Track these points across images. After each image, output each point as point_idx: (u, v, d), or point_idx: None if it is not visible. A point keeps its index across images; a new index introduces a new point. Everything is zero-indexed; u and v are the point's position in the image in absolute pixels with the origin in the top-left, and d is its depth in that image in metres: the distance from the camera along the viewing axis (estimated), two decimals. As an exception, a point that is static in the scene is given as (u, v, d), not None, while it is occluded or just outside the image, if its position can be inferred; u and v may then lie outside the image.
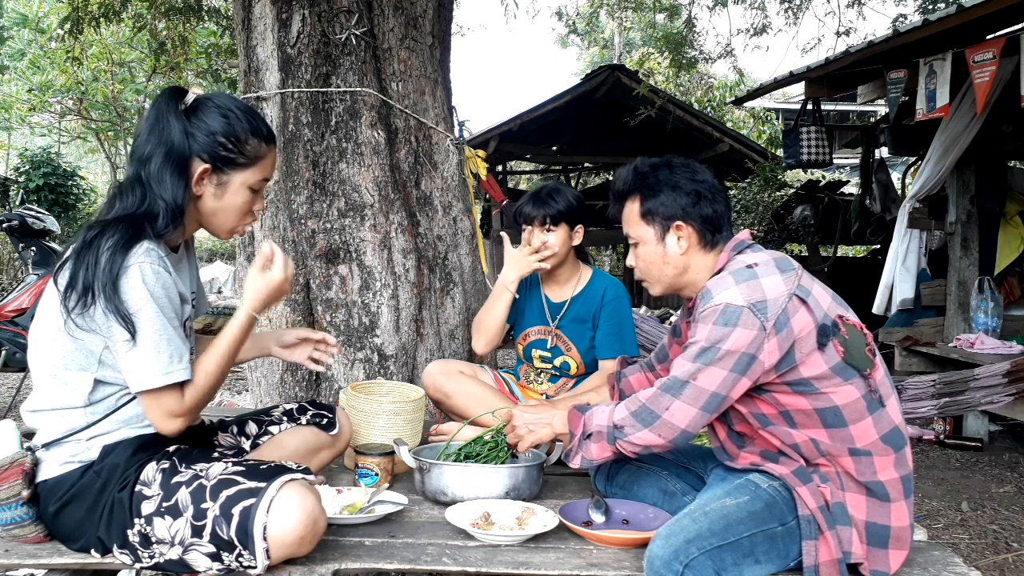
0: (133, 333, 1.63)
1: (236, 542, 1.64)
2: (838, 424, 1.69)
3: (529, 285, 2.93)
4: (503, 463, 2.23)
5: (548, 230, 2.73)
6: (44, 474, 1.75)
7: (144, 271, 1.64)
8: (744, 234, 1.88)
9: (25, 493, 1.72)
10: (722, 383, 1.67)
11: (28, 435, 1.81)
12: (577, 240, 2.78)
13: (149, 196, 1.72)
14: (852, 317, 1.76)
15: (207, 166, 1.75)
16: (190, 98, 1.78)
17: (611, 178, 12.90)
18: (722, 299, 1.68)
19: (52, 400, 1.75)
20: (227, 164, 1.77)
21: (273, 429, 2.13)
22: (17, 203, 10.97)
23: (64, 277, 1.67)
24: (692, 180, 1.86)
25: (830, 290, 1.78)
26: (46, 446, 1.76)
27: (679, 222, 1.85)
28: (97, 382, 1.73)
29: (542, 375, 2.95)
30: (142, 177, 1.73)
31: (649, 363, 2.22)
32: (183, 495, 1.68)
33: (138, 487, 1.71)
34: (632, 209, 1.91)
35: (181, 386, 1.71)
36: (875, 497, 1.70)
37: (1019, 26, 4.43)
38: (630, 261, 1.96)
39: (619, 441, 1.77)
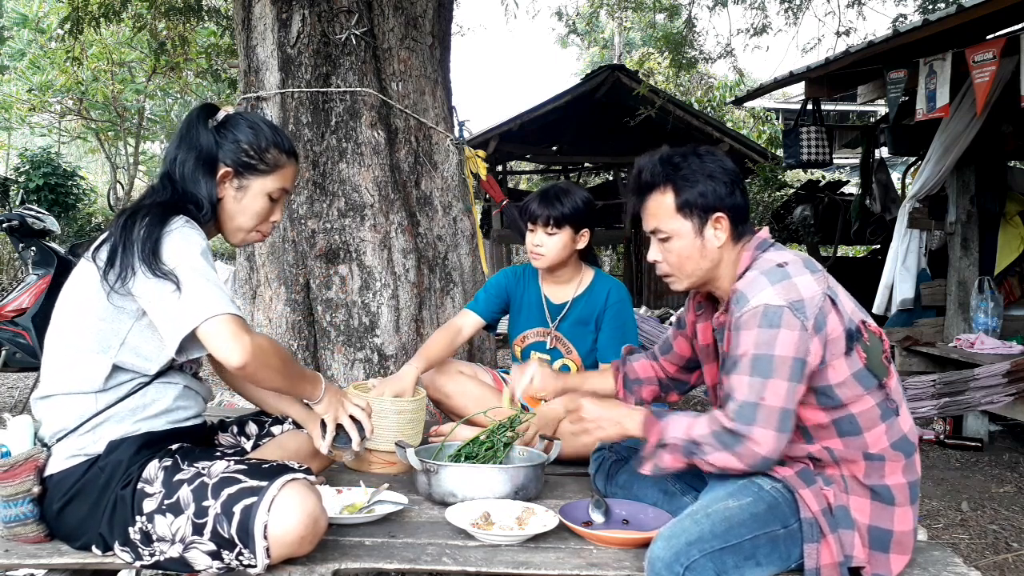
0: (178, 282, 1.67)
1: (237, 540, 1.64)
2: (853, 432, 1.68)
3: (528, 285, 2.90)
4: (500, 462, 2.23)
5: (550, 232, 2.69)
6: (51, 468, 1.77)
7: (185, 232, 1.73)
8: (765, 232, 1.83)
9: (36, 489, 1.74)
10: (787, 396, 1.61)
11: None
12: (581, 244, 2.74)
13: (182, 191, 1.84)
14: (871, 322, 1.73)
15: (229, 169, 1.88)
16: (222, 114, 1.93)
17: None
18: (759, 300, 1.63)
19: (66, 384, 1.78)
20: (248, 169, 1.90)
21: (275, 430, 2.14)
22: (17, 203, 10.97)
23: (103, 256, 1.75)
24: (723, 169, 1.78)
25: (849, 294, 1.75)
26: (58, 440, 1.78)
27: (719, 213, 1.76)
28: (115, 367, 1.76)
29: None
30: (174, 176, 1.86)
31: (653, 353, 2.18)
32: (185, 493, 1.69)
33: (140, 484, 1.72)
34: (663, 202, 1.79)
35: (243, 321, 1.70)
36: (880, 500, 1.69)
37: (1019, 26, 4.43)
38: (654, 256, 1.85)
39: (696, 457, 1.69)
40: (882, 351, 1.70)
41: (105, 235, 1.80)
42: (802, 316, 1.60)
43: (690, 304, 2.03)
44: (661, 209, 1.80)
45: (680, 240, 1.79)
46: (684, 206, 1.77)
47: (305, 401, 2.08)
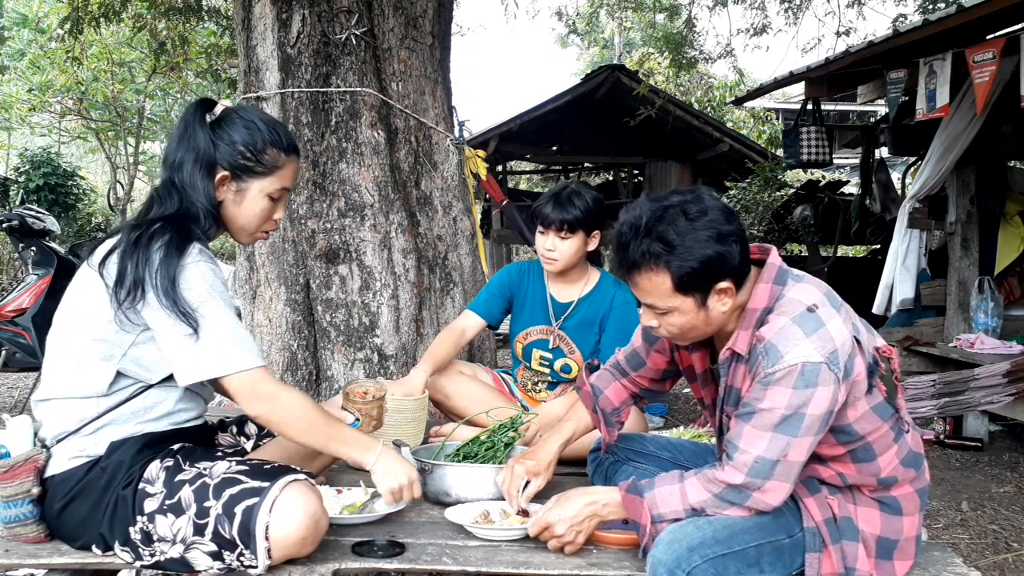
0: (196, 326, 1.67)
1: (238, 541, 1.64)
2: (867, 459, 1.65)
3: (533, 281, 2.89)
4: (500, 463, 2.23)
5: (564, 237, 2.66)
6: (52, 469, 1.77)
7: (203, 270, 1.72)
8: (775, 255, 1.66)
9: (35, 491, 1.74)
10: (808, 448, 1.57)
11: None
12: (592, 246, 2.72)
13: (185, 199, 1.82)
14: (880, 342, 1.67)
15: (226, 173, 1.85)
16: (219, 109, 1.88)
17: (611, 177, 12.91)
18: (797, 357, 1.51)
19: (68, 388, 1.78)
20: (245, 172, 1.86)
21: (274, 430, 2.14)
22: (17, 203, 10.96)
23: (111, 270, 1.73)
24: (718, 228, 1.56)
25: (859, 317, 1.68)
26: (57, 441, 1.77)
27: (722, 283, 1.59)
28: (118, 374, 1.76)
29: (540, 383, 2.92)
30: (176, 182, 1.83)
31: (620, 369, 2.07)
32: (186, 493, 1.69)
33: (141, 485, 1.72)
34: (657, 282, 1.59)
35: (268, 372, 1.75)
36: (889, 511, 1.68)
37: (1019, 26, 4.43)
38: (650, 321, 1.68)
39: (702, 516, 1.64)
40: (892, 372, 1.66)
41: (111, 244, 1.77)
42: (836, 368, 1.52)
43: None
44: (656, 289, 1.61)
45: (682, 316, 1.63)
46: (683, 286, 1.58)
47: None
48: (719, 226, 1.57)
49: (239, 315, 3.69)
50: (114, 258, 1.74)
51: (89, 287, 1.77)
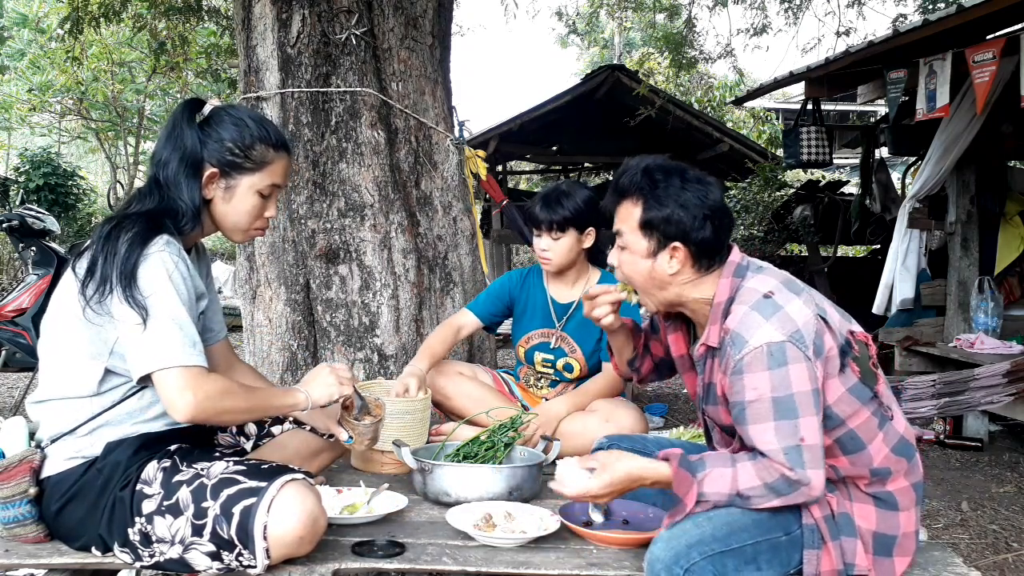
0: (145, 316, 1.64)
1: (236, 541, 1.64)
2: (857, 448, 1.67)
3: (533, 286, 2.91)
4: (500, 463, 2.23)
5: (555, 237, 2.69)
6: (48, 470, 1.77)
7: (164, 259, 1.69)
8: (737, 253, 1.77)
9: (32, 491, 1.74)
10: (815, 429, 1.58)
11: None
12: (588, 243, 2.74)
13: (167, 197, 1.80)
14: (856, 328, 1.71)
15: (215, 170, 1.83)
16: (207, 108, 1.86)
17: (612, 176, 12.91)
18: (760, 340, 1.58)
19: (61, 389, 1.77)
20: (234, 168, 1.85)
21: (274, 430, 2.14)
22: (17, 203, 10.95)
23: (83, 266, 1.72)
24: (702, 201, 1.70)
25: (830, 301, 1.72)
26: (52, 441, 1.77)
27: (677, 243, 1.71)
28: (107, 371, 1.75)
29: (542, 380, 2.93)
30: (160, 179, 1.82)
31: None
32: (184, 494, 1.69)
33: (139, 486, 1.72)
34: (632, 212, 1.75)
35: (197, 371, 1.67)
36: (885, 507, 1.69)
37: (1019, 26, 4.43)
38: (612, 258, 1.84)
39: (736, 504, 1.63)
40: (869, 357, 1.68)
41: (87, 243, 1.77)
42: (803, 346, 1.57)
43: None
44: (628, 218, 1.76)
45: (632, 255, 1.77)
46: (647, 225, 1.72)
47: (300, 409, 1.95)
48: (704, 196, 1.70)
49: (238, 314, 3.70)
50: (87, 254, 1.73)
51: (72, 286, 1.76)
